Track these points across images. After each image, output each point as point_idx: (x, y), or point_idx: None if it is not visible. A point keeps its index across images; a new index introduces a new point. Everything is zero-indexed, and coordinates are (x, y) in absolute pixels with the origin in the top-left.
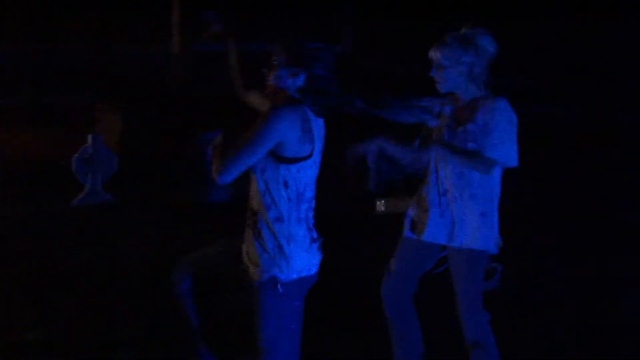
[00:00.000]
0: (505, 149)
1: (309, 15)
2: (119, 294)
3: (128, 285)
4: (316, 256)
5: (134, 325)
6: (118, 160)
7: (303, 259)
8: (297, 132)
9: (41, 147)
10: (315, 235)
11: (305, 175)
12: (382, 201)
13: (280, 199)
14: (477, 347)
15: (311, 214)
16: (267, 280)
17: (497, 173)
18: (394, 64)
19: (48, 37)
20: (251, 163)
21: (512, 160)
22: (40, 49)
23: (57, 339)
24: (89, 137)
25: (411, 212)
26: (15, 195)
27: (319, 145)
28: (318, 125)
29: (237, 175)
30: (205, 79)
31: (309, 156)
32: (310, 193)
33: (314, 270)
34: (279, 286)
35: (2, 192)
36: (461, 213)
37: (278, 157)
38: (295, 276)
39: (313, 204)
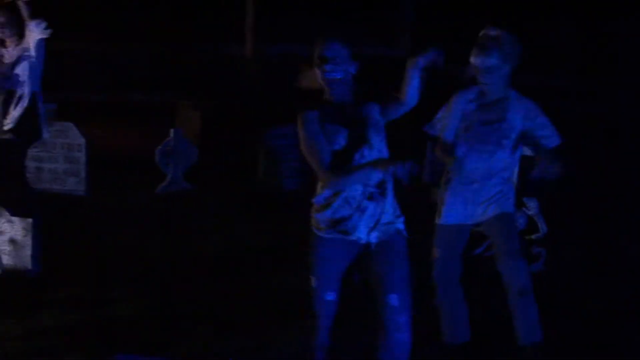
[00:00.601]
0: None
1: (366, 19)
2: (195, 272)
3: (204, 265)
4: None
5: (214, 301)
6: (197, 152)
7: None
8: None
9: (128, 140)
10: None
11: None
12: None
13: None
14: (524, 294)
15: None
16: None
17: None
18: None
19: (136, 37)
20: None
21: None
22: (128, 49)
23: (145, 313)
24: (171, 131)
25: (442, 201)
26: (106, 184)
27: None
28: None
29: None
30: (275, 79)
31: None
32: None
33: None
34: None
35: (95, 182)
36: (488, 194)
37: None
38: None
39: None
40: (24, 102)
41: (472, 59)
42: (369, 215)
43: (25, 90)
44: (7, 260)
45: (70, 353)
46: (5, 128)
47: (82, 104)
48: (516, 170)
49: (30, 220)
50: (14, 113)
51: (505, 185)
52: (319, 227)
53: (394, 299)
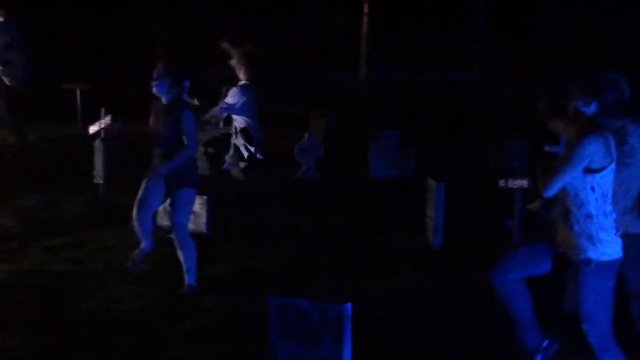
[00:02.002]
0: None
1: (437, 45)
2: (324, 235)
3: (330, 230)
4: (619, 242)
5: (340, 255)
6: (323, 149)
7: (611, 244)
8: (602, 150)
9: (277, 140)
10: (615, 225)
11: (607, 181)
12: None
13: (589, 200)
14: (637, 297)
15: (612, 208)
16: (583, 259)
17: None
18: (522, 89)
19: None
20: (568, 179)
21: None
22: (275, 73)
23: (289, 265)
24: (305, 134)
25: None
26: (262, 171)
27: (614, 155)
28: (611, 140)
29: (558, 189)
30: (381, 97)
31: (609, 165)
32: (610, 193)
33: (620, 254)
34: (592, 265)
35: (253, 170)
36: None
37: (586, 169)
38: (605, 259)
39: (611, 200)
40: None
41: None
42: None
43: None
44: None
45: (236, 293)
46: None
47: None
48: None
49: (205, 197)
50: None
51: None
52: None
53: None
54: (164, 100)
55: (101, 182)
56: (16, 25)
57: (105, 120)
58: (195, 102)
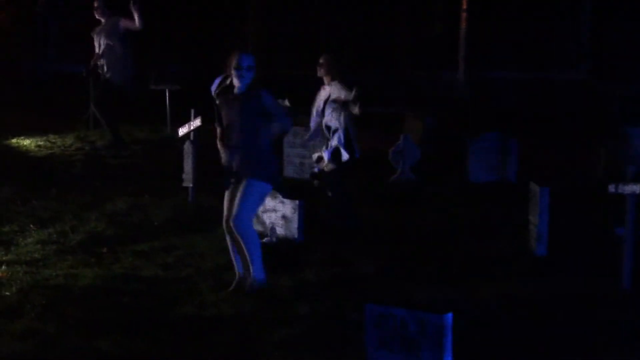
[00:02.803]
0: None
1: (541, 42)
2: (419, 238)
3: (426, 233)
4: None
5: (433, 259)
6: (419, 152)
7: None
8: None
9: (373, 142)
10: None
11: None
12: None
13: None
14: None
15: None
16: None
17: None
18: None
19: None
20: None
21: None
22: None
23: (383, 270)
24: (401, 136)
25: None
26: (356, 175)
27: None
28: None
29: None
30: (480, 98)
31: None
32: None
33: None
34: None
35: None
36: None
37: None
38: None
39: None
40: None
41: None
42: None
43: None
44: (280, 231)
45: (331, 300)
46: None
47: None
48: None
49: (297, 201)
50: None
51: None
52: None
53: None
54: (238, 89)
55: (190, 185)
56: (119, 23)
57: (195, 122)
58: (287, 102)
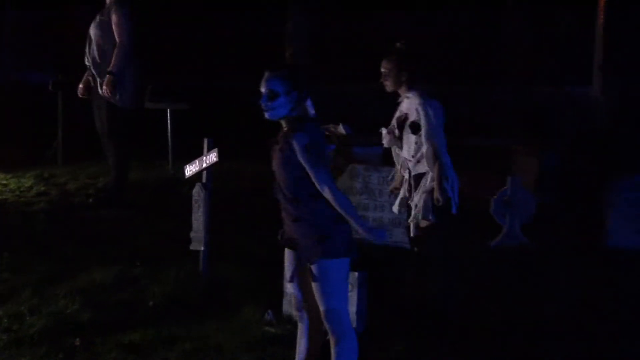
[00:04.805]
0: None
1: (560, 56)
2: (528, 335)
3: (538, 329)
4: None
5: None
6: (535, 203)
7: None
8: None
9: (465, 188)
10: None
11: None
12: None
13: None
14: None
15: None
16: None
17: None
18: None
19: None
20: None
21: None
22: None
23: None
24: (508, 179)
25: None
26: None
27: None
28: None
29: None
30: (629, 122)
31: None
32: None
33: None
34: None
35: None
36: None
37: None
38: None
39: None
40: None
41: None
42: None
43: None
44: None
45: None
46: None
47: None
48: None
49: (356, 273)
50: None
51: None
52: None
53: None
54: (283, 125)
55: (201, 248)
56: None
57: (210, 158)
58: (341, 129)
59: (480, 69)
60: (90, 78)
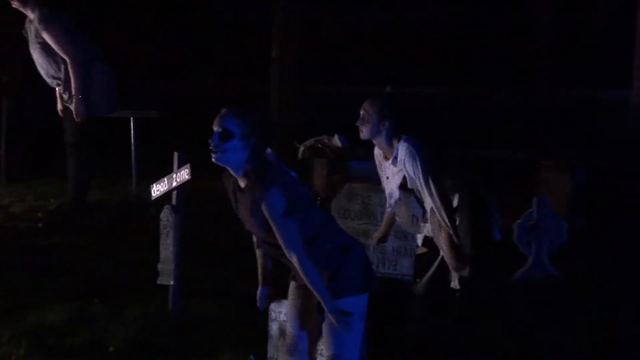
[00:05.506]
0: None
1: (597, 60)
2: None
3: None
4: None
5: None
6: (567, 229)
7: None
8: None
9: None
10: None
11: None
12: None
13: None
14: None
15: None
16: None
17: None
18: None
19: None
20: None
21: None
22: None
23: None
24: (534, 201)
25: None
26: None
27: None
28: None
29: None
30: None
31: None
32: None
33: None
34: None
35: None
36: None
37: None
38: None
39: None
40: None
41: None
42: None
43: None
44: None
45: None
46: None
47: None
48: None
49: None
50: None
51: None
52: None
53: None
54: (236, 175)
55: (171, 283)
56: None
57: (181, 175)
58: (337, 141)
59: (505, 70)
60: (59, 97)
